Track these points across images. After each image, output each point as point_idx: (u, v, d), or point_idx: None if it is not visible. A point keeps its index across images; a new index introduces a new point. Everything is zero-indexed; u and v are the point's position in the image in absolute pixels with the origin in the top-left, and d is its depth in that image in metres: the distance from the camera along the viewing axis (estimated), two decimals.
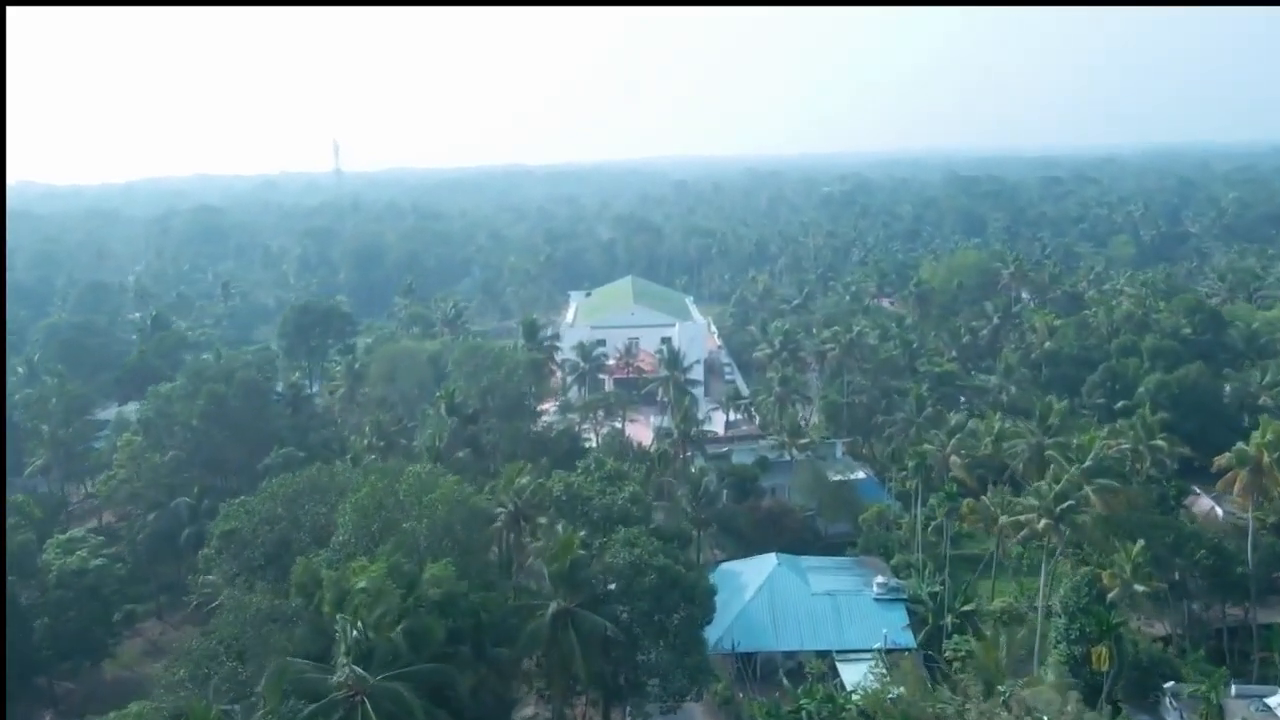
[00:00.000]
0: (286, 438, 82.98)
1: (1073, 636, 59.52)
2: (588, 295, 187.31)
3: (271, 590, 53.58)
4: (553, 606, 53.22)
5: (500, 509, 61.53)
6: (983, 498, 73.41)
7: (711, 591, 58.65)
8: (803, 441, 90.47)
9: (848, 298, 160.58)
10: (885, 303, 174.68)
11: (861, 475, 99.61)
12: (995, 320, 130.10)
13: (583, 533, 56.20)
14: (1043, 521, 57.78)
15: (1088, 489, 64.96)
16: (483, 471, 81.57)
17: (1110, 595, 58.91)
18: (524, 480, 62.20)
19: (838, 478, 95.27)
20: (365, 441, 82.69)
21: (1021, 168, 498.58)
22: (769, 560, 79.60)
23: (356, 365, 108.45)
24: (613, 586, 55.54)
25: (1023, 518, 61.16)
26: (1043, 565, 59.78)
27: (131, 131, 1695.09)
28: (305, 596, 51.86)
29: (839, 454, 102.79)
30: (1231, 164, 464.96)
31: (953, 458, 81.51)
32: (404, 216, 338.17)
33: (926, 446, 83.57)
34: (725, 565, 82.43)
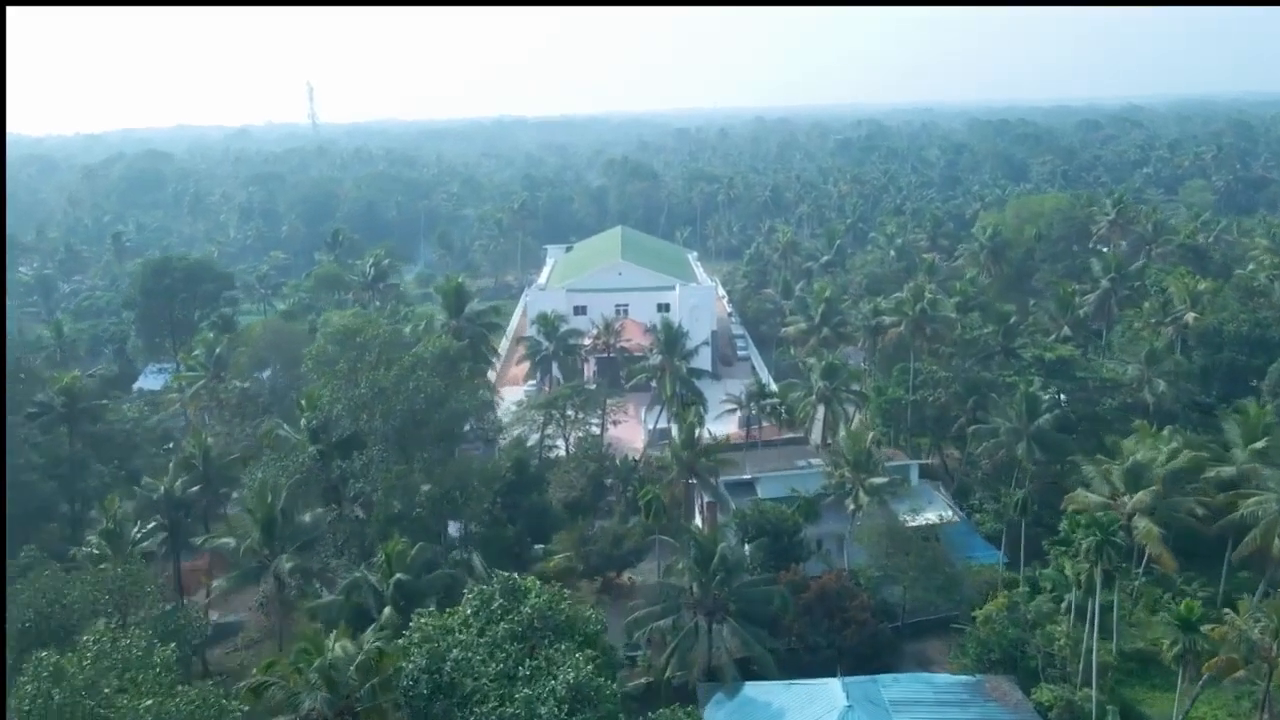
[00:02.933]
0: (29, 483, 50.06)
1: None
2: (568, 250, 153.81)
3: None
4: None
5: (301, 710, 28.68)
6: (1230, 616, 40.45)
7: None
8: (877, 481, 57.26)
9: (892, 252, 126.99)
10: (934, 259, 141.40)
11: (953, 517, 67.03)
12: (1104, 283, 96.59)
13: None
14: None
15: None
16: (352, 548, 48.93)
17: None
18: (339, 649, 29.18)
19: (917, 521, 62.50)
20: (161, 489, 49.89)
21: (1041, 117, 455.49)
22: (831, 695, 47.23)
23: (219, 350, 75.41)
24: None
25: None
26: None
27: (117, 83, 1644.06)
28: None
29: (914, 479, 70.03)
30: (1276, 109, 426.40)
31: (1141, 521, 48.51)
32: (374, 164, 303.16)
33: (1089, 496, 50.67)
34: (754, 690, 50.14)
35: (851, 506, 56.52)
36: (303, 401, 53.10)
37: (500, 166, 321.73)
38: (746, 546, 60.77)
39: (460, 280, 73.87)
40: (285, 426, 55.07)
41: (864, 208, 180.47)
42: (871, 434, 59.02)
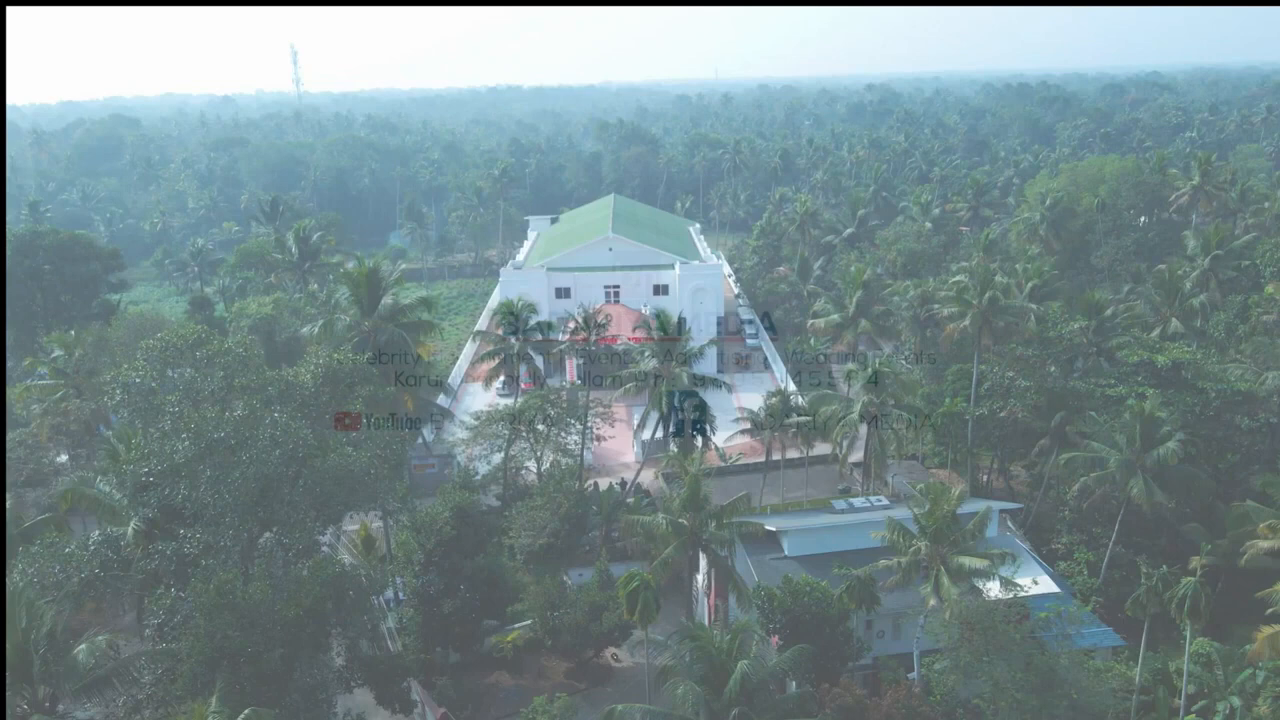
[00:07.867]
0: None
1: None
2: (553, 222, 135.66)
3: None
4: None
5: None
6: None
7: None
8: (970, 564, 39.20)
9: (928, 225, 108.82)
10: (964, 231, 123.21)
11: (1054, 586, 49.46)
12: (1203, 263, 78.60)
13: None
14: None
15: None
16: (177, 690, 31.29)
17: None
18: None
19: (1009, 592, 44.65)
20: None
21: (1057, 83, 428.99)
22: None
23: (78, 353, 57.67)
24: None
25: None
26: None
27: (109, 53, 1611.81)
28: None
29: (993, 530, 52.23)
30: None
31: None
32: (353, 129, 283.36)
33: None
34: None
35: (932, 600, 38.69)
36: (119, 443, 35.46)
37: (489, 133, 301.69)
38: (774, 639, 43.49)
39: (373, 265, 55.55)
40: (103, 481, 37.39)
41: (886, 174, 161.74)
42: (959, 490, 41.14)
